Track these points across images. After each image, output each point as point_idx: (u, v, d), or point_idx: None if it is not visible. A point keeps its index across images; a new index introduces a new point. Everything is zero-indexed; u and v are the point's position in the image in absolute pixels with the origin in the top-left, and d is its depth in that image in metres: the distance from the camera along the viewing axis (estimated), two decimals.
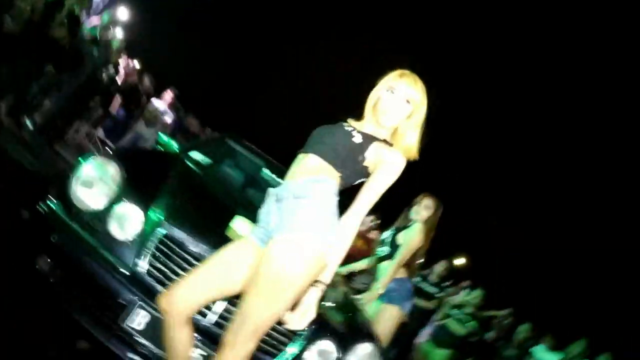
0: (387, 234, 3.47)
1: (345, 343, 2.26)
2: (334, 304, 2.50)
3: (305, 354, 2.15)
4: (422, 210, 3.33)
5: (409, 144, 1.72)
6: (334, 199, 1.61)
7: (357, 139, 1.66)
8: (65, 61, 4.83)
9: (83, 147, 5.85)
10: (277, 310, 1.45)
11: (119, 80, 6.34)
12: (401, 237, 3.31)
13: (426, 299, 6.03)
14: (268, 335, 2.03)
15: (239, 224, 2.14)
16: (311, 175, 1.60)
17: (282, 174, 3.18)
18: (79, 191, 2.12)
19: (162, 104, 6.84)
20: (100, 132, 6.76)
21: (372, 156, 1.67)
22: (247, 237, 1.66)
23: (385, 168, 1.65)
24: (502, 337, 6.29)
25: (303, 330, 2.10)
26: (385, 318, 3.27)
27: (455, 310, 5.83)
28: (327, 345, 2.21)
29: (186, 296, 1.54)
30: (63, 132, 5.54)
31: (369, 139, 1.69)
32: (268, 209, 1.65)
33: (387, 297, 3.28)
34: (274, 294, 1.43)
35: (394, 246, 3.31)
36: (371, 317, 3.20)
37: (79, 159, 2.26)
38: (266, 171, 3.62)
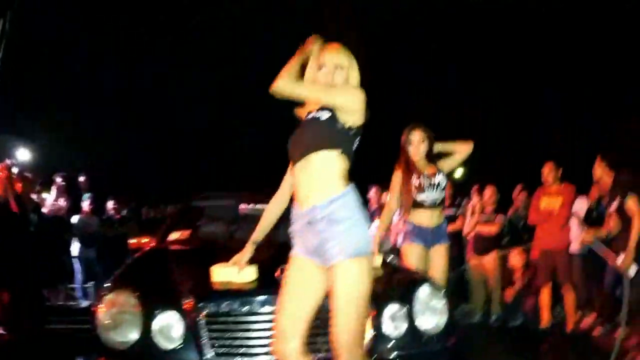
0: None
1: (404, 295, 2.37)
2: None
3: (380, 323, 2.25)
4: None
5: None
6: (356, 199, 1.73)
7: (324, 115, 1.76)
8: None
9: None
10: (363, 315, 1.67)
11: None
12: None
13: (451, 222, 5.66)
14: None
15: (219, 273, 2.24)
16: (326, 188, 1.70)
17: (259, 200, 3.19)
18: (110, 335, 2.09)
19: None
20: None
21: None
22: (299, 257, 1.79)
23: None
24: None
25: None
26: (442, 259, 3.20)
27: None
28: (393, 306, 2.31)
29: (292, 328, 1.71)
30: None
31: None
32: (301, 229, 1.76)
33: (432, 238, 3.22)
34: (354, 308, 1.64)
35: None
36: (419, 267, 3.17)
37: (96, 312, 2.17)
38: (243, 206, 3.66)
